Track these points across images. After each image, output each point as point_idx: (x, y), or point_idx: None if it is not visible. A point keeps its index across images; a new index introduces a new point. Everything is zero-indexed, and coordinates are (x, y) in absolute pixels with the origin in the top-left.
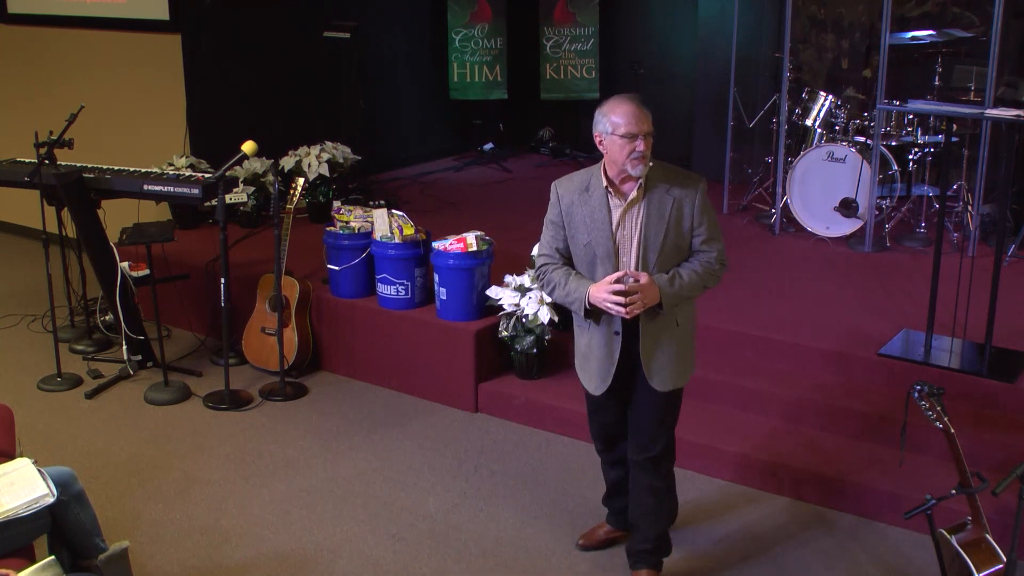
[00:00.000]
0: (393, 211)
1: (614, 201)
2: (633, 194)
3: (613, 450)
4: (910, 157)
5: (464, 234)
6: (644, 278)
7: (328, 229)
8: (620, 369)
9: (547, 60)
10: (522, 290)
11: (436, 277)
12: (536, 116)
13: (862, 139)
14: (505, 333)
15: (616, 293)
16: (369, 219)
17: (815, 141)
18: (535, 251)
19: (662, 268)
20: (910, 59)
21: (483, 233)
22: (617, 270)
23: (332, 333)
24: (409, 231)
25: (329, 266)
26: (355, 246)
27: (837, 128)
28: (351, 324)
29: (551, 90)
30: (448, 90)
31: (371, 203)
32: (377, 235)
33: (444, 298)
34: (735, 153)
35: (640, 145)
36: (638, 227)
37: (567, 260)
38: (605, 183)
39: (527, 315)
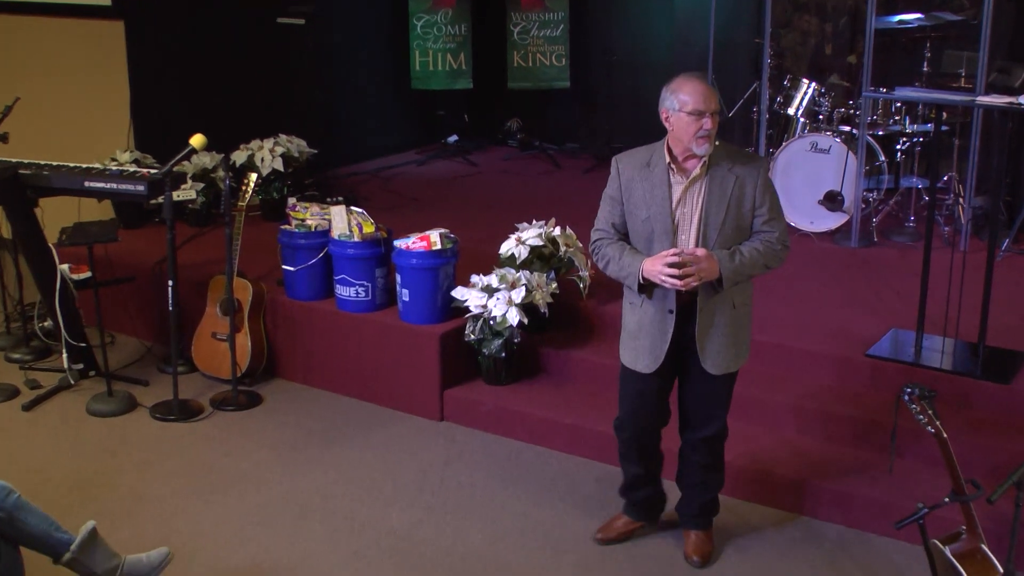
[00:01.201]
0: (352, 208)
1: (675, 178)
2: (696, 171)
3: (642, 438)
4: (898, 147)
5: (428, 232)
6: (702, 252)
7: (283, 228)
8: (671, 349)
9: (514, 47)
10: (489, 291)
11: (398, 278)
12: (503, 106)
13: (847, 128)
14: (472, 336)
15: (671, 265)
16: (326, 217)
17: (798, 131)
18: (504, 248)
19: (722, 247)
20: (897, 44)
21: (448, 231)
22: (675, 247)
23: (288, 338)
24: (369, 229)
25: (284, 267)
26: (311, 245)
27: (821, 117)
28: (308, 328)
29: (519, 79)
30: (410, 79)
31: (328, 199)
32: (335, 233)
33: (407, 300)
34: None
35: (707, 123)
36: (699, 205)
37: (622, 236)
38: (668, 159)
39: (495, 317)
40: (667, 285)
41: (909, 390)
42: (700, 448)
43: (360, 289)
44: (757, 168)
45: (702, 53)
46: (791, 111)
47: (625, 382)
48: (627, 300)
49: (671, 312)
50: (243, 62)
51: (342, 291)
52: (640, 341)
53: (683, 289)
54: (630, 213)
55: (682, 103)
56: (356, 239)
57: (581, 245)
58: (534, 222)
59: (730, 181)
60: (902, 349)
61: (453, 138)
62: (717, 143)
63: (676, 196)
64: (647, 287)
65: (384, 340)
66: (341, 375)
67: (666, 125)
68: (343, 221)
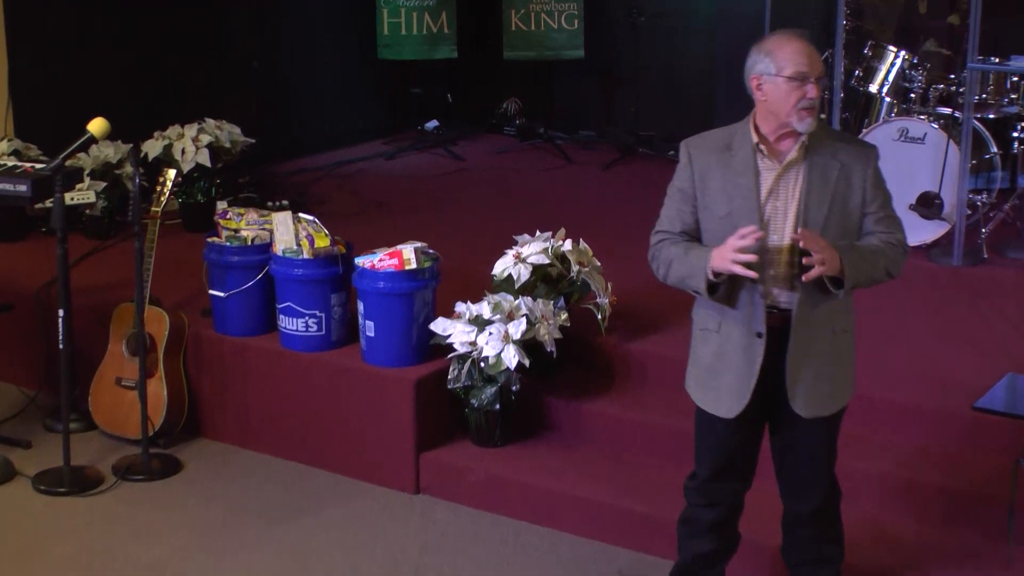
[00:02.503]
0: (300, 215)
1: (765, 163)
2: (792, 154)
3: (721, 506)
4: (1015, 135)
5: (399, 246)
6: (817, 233)
7: (210, 240)
8: (760, 385)
9: (512, 5)
10: (480, 323)
11: (361, 306)
12: (497, 83)
13: (948, 111)
14: (457, 383)
15: (745, 250)
16: (268, 226)
17: (882, 114)
18: (499, 268)
19: None
20: None
21: (425, 245)
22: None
23: (216, 385)
24: (323, 242)
25: (211, 292)
26: (248, 264)
27: (913, 96)
28: (243, 372)
29: (518, 47)
30: (376, 47)
31: (270, 204)
32: (278, 248)
33: (372, 335)
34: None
35: (811, 91)
36: (796, 195)
37: (694, 240)
38: (756, 139)
39: (487, 358)
40: (739, 271)
41: None
42: (807, 522)
43: (311, 321)
44: (867, 156)
45: (757, 12)
46: (873, 88)
47: (703, 432)
48: (698, 325)
49: (759, 336)
50: (157, 27)
51: (288, 323)
52: (721, 377)
53: (782, 285)
54: (705, 208)
55: (779, 66)
56: (306, 255)
57: (599, 264)
58: (538, 234)
59: (833, 169)
60: (1020, 401)
61: (432, 124)
62: (820, 121)
63: (766, 186)
64: (721, 292)
65: (342, 388)
66: (286, 434)
67: (756, 96)
68: (289, 232)
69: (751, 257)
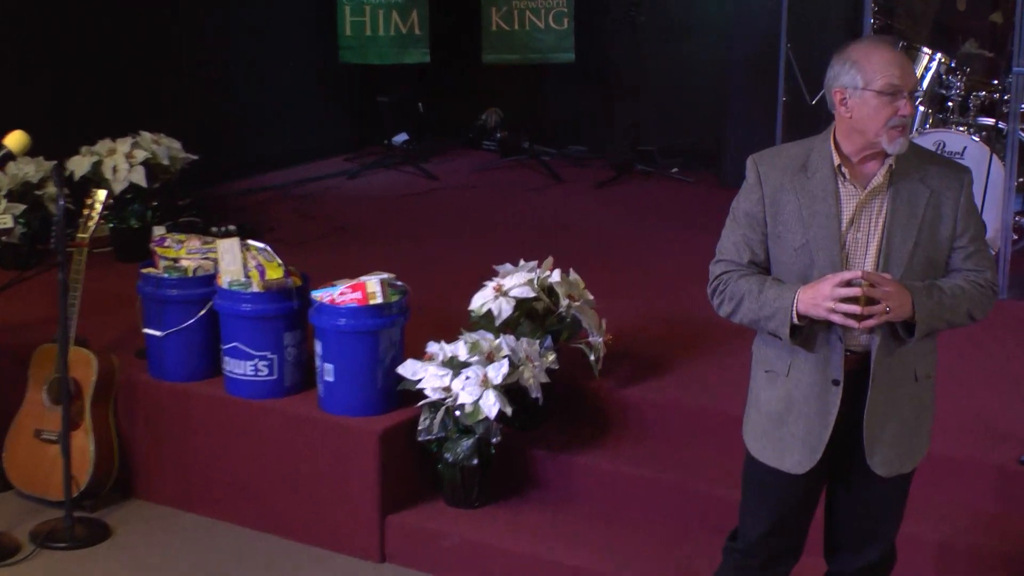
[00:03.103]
0: (250, 242)
1: (847, 187)
2: (878, 179)
3: (777, 569)
4: None
5: (363, 278)
6: (889, 277)
7: (145, 272)
8: (834, 437)
9: (493, 2)
10: (455, 366)
11: (319, 347)
12: (476, 91)
13: (990, 121)
14: (429, 435)
15: (845, 300)
16: (212, 255)
17: (915, 125)
18: (477, 303)
19: None
20: None
21: (393, 276)
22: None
23: (152, 438)
24: (275, 273)
25: (146, 331)
26: (189, 298)
27: (950, 104)
28: (183, 423)
29: (499, 49)
30: (338, 49)
31: (214, 229)
32: (224, 280)
33: (331, 380)
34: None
35: (905, 107)
36: (879, 226)
37: (762, 273)
38: (837, 159)
39: (463, 405)
40: (837, 320)
41: None
42: None
43: (261, 364)
44: (960, 180)
45: (773, 10)
46: None
47: (760, 488)
48: (762, 366)
49: (836, 383)
50: (88, 28)
51: (235, 367)
52: (787, 427)
53: (859, 329)
54: (778, 237)
55: (868, 79)
56: (255, 288)
57: (591, 297)
58: (522, 263)
59: (922, 196)
60: None
61: (401, 137)
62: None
63: (847, 214)
64: (803, 335)
65: (297, 440)
66: (232, 494)
67: (839, 111)
68: (236, 262)
69: (856, 308)
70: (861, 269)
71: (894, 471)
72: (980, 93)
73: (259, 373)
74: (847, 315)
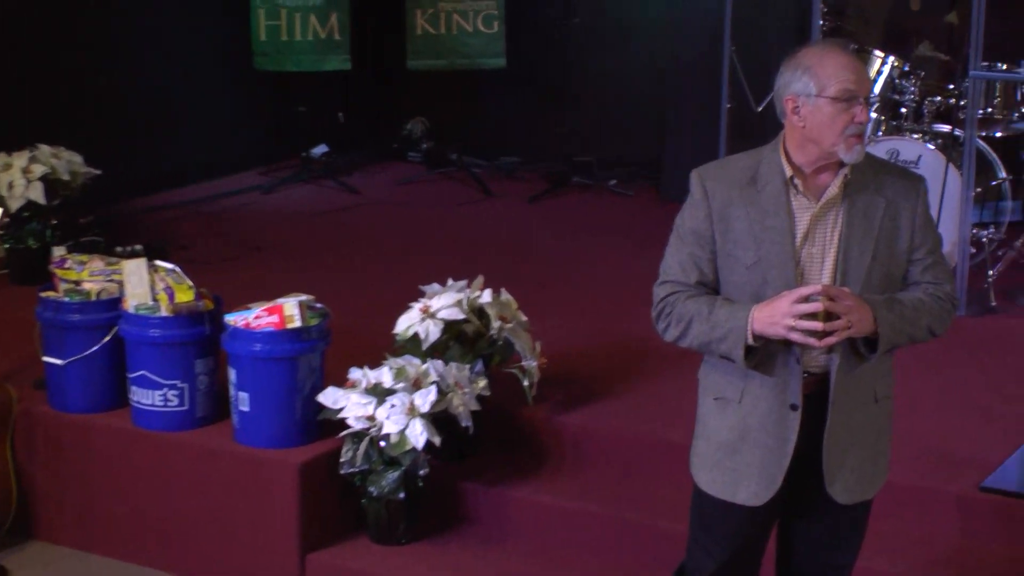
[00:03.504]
0: (158, 263)
1: (800, 201)
2: (833, 191)
3: None
4: None
5: (280, 300)
6: (848, 291)
7: (44, 295)
8: (791, 464)
9: (418, 4)
10: (379, 393)
11: (232, 374)
12: (400, 99)
13: (946, 128)
14: (352, 467)
15: (805, 317)
16: (117, 277)
17: (869, 132)
18: (403, 325)
19: None
20: None
21: (312, 298)
22: None
23: (52, 474)
24: (186, 296)
25: (46, 358)
26: (92, 323)
27: (904, 110)
28: (86, 458)
29: (425, 55)
30: (252, 56)
31: (120, 249)
32: (130, 304)
33: (246, 409)
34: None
35: (861, 114)
36: (835, 240)
37: (711, 293)
38: (789, 171)
39: (388, 435)
40: (797, 339)
41: None
42: None
43: (171, 393)
44: (915, 190)
45: (715, 10)
46: None
47: (711, 522)
48: (711, 393)
49: (794, 408)
50: None
51: (142, 397)
52: (743, 457)
53: (818, 348)
54: (728, 256)
55: (822, 85)
56: (164, 312)
57: (525, 319)
58: (450, 283)
59: (878, 207)
60: None
61: (321, 149)
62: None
63: (801, 228)
64: (757, 357)
65: (210, 475)
66: (140, 533)
67: (791, 120)
68: (143, 284)
69: (817, 325)
70: (821, 283)
71: (855, 498)
72: (935, 98)
73: (168, 403)
74: (807, 333)
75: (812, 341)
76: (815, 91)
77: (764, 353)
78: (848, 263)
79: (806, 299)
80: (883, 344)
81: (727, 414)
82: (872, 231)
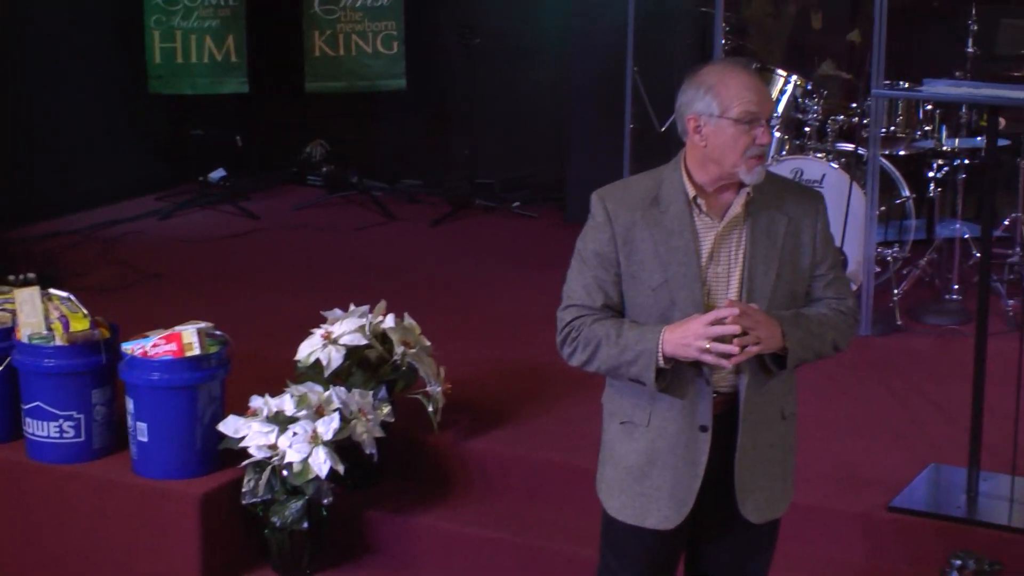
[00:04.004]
0: (52, 291)
1: (703, 220)
2: (736, 210)
3: None
4: (931, 175)
5: (178, 328)
6: (754, 307)
7: None
8: (702, 486)
9: (316, 25)
10: (281, 421)
11: (130, 404)
12: (299, 122)
13: (849, 147)
14: (254, 497)
15: (717, 338)
16: (8, 306)
17: (771, 152)
18: (304, 352)
19: None
20: (927, 12)
21: (211, 325)
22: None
23: None
24: (81, 325)
25: None
26: None
27: (808, 129)
28: None
29: (323, 77)
30: (146, 79)
31: (12, 278)
32: (23, 333)
33: (145, 440)
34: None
35: (763, 136)
36: (740, 259)
37: (617, 316)
38: (692, 191)
39: (290, 464)
40: (710, 360)
41: (958, 562)
42: None
43: (67, 424)
44: (815, 207)
45: (617, 29)
46: None
47: (621, 549)
48: (616, 418)
49: (704, 429)
50: None
51: (37, 428)
52: (652, 481)
53: (728, 367)
54: (633, 278)
55: (724, 105)
56: (59, 342)
57: (428, 344)
58: (352, 308)
59: (780, 225)
60: (946, 497)
61: (218, 174)
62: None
63: (706, 248)
64: (667, 379)
65: (108, 507)
66: (35, 570)
67: (693, 139)
68: (36, 313)
69: (733, 349)
70: (727, 299)
71: (766, 516)
72: (838, 117)
73: (64, 435)
74: (720, 354)
75: (724, 363)
76: (717, 111)
77: (674, 375)
78: (753, 281)
79: (721, 320)
80: (792, 360)
81: (635, 438)
82: (776, 249)
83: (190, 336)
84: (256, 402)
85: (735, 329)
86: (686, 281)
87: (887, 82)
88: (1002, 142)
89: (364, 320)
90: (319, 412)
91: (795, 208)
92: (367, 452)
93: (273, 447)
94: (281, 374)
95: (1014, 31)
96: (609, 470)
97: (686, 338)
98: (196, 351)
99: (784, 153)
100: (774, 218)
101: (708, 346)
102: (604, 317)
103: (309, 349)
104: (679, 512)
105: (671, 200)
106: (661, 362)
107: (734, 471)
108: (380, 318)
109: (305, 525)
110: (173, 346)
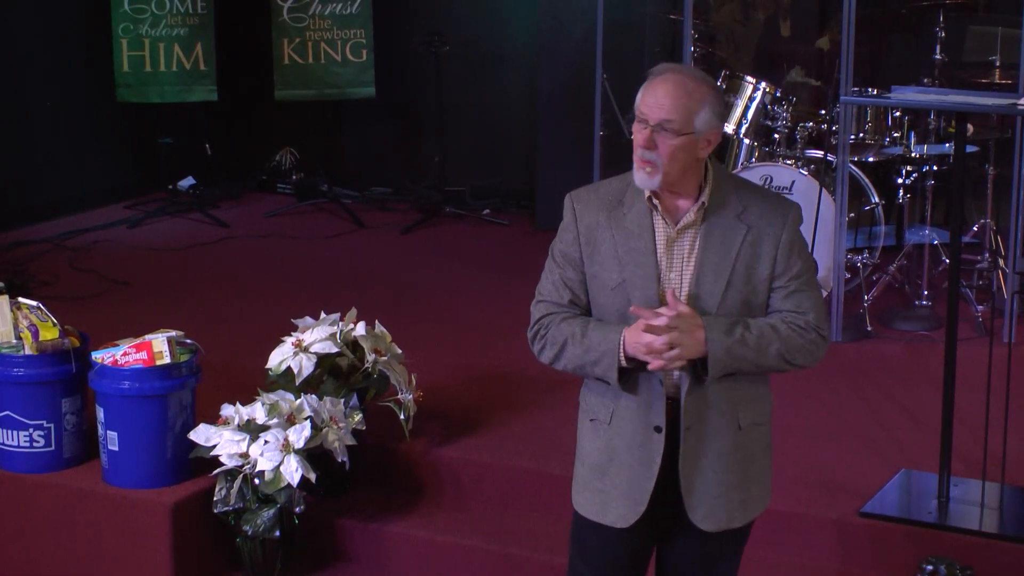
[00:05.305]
0: (20, 300)
1: (662, 222)
2: (690, 216)
3: None
4: (900, 181)
5: (148, 336)
6: (684, 309)
7: None
8: (658, 487)
9: (285, 34)
10: (252, 430)
11: (101, 413)
12: (268, 130)
13: (818, 154)
14: (226, 506)
15: (647, 329)
16: None
17: (741, 159)
18: (275, 360)
19: None
20: (895, 19)
21: (181, 333)
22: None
23: None
24: (50, 334)
25: None
26: None
27: (777, 137)
28: None
29: (292, 85)
30: (114, 87)
31: None
32: None
33: (115, 449)
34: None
35: (639, 138)
36: (691, 265)
37: (584, 314)
38: (648, 192)
39: (262, 473)
40: (647, 361)
41: (930, 567)
42: None
43: (37, 434)
44: (783, 217)
45: (585, 36)
46: (729, 128)
47: (585, 546)
48: (587, 414)
49: (658, 430)
50: None
51: (6, 438)
52: (611, 478)
53: (652, 368)
54: (594, 278)
55: (636, 105)
56: (28, 351)
57: (400, 351)
58: (323, 316)
59: (738, 234)
60: (917, 502)
61: (188, 182)
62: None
63: (663, 248)
64: (631, 379)
65: (78, 517)
66: None
67: None
68: (5, 322)
69: (656, 359)
70: (669, 296)
71: (721, 526)
72: (808, 124)
73: (34, 444)
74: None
75: (658, 362)
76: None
77: (634, 375)
78: (700, 288)
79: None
80: (713, 367)
81: (599, 435)
82: (729, 257)
83: (160, 345)
84: (227, 410)
85: (656, 338)
86: (642, 282)
87: (856, 89)
88: (970, 148)
89: (335, 328)
90: (290, 420)
91: (758, 218)
92: (339, 460)
93: (244, 455)
94: (252, 382)
95: (981, 38)
96: (579, 467)
97: (637, 340)
98: (166, 360)
99: (754, 160)
100: (732, 226)
101: (645, 344)
102: (572, 315)
103: (280, 357)
104: (634, 511)
105: (634, 202)
106: (623, 362)
107: (679, 476)
108: (351, 326)
109: (277, 534)
110: (143, 355)
